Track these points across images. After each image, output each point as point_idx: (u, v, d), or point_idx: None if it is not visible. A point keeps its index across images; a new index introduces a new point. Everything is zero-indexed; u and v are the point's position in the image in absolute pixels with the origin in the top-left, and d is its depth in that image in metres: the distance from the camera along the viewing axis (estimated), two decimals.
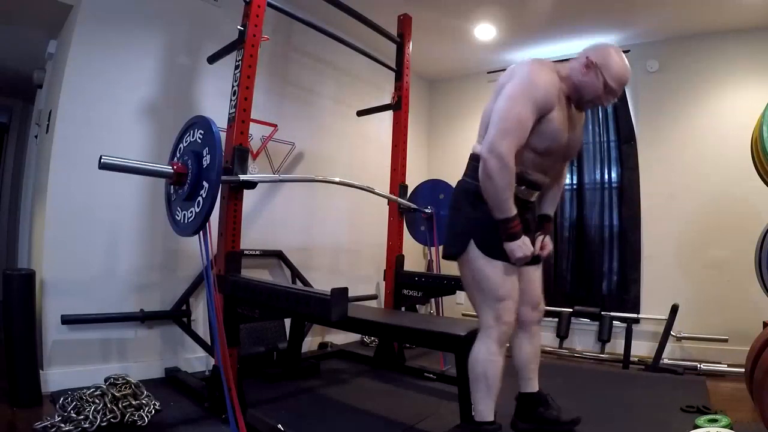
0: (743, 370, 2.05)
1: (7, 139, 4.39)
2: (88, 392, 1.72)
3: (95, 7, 2.20)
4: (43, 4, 2.22)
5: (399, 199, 2.78)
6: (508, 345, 1.61)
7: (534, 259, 1.62)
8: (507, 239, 1.48)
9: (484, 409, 1.51)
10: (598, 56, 1.50)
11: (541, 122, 1.49)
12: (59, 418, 1.61)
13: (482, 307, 1.56)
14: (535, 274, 1.74)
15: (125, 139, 2.27)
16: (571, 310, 3.34)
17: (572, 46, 3.62)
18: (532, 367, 1.73)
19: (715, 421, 1.73)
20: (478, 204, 1.53)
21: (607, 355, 3.13)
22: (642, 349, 3.14)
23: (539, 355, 1.78)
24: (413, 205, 2.86)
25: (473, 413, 1.54)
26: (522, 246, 1.49)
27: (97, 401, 1.69)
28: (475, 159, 1.56)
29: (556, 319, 3.38)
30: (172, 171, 1.63)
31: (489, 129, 1.48)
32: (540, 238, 1.69)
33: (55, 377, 2.00)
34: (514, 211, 1.47)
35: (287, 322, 2.68)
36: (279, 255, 2.89)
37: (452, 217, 1.65)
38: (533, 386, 1.73)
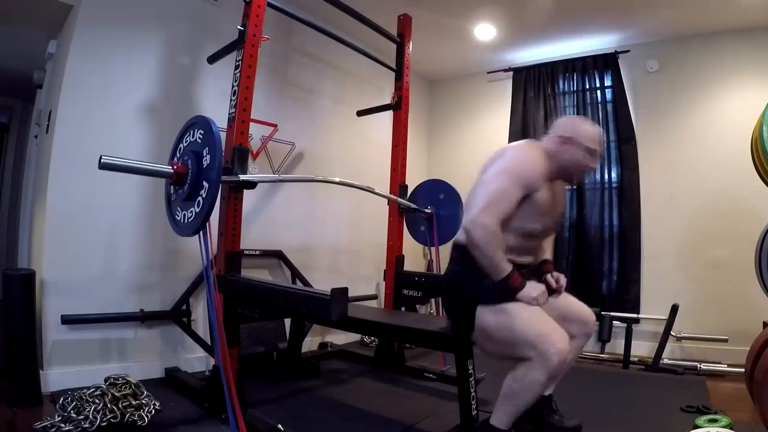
0: (743, 370, 2.05)
1: (7, 139, 4.40)
2: (88, 392, 1.72)
3: (95, 7, 2.20)
4: (43, 4, 2.22)
5: (399, 199, 2.78)
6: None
7: (552, 293, 1.63)
8: (515, 292, 1.46)
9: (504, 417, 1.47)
10: (567, 130, 1.58)
11: (527, 201, 1.51)
12: (59, 418, 1.61)
13: (524, 353, 1.41)
14: (565, 300, 1.71)
15: (125, 139, 2.27)
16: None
17: (572, 46, 3.63)
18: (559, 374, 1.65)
19: (715, 421, 1.73)
20: (466, 277, 1.54)
21: (607, 355, 3.13)
22: (642, 349, 3.14)
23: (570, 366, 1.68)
24: (413, 205, 2.86)
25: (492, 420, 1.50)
26: (533, 288, 1.47)
27: (97, 401, 1.69)
28: (457, 248, 1.59)
29: None
30: (172, 171, 1.63)
31: (472, 203, 1.50)
32: (549, 275, 1.69)
33: (55, 377, 1.99)
34: (509, 266, 1.46)
35: (287, 322, 2.68)
36: (279, 255, 2.89)
37: (448, 305, 1.65)
38: (548, 390, 1.67)
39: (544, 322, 1.43)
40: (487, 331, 1.50)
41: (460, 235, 1.59)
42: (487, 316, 1.49)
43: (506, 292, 1.46)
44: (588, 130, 1.57)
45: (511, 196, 1.47)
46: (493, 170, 1.55)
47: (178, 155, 1.73)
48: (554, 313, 1.54)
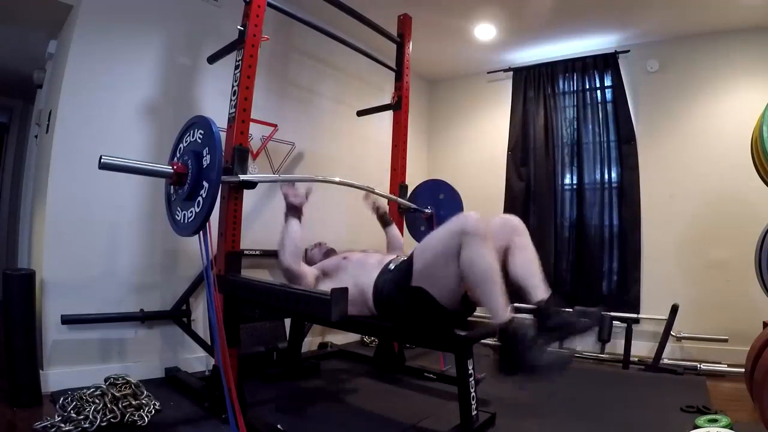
0: (743, 370, 2.05)
1: (7, 139, 4.40)
2: (88, 392, 1.73)
3: (95, 7, 2.20)
4: (43, 4, 2.22)
5: (399, 199, 2.78)
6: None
7: None
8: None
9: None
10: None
11: None
12: (59, 418, 1.61)
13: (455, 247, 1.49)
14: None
15: (125, 139, 2.27)
16: (571, 310, 3.33)
17: (572, 46, 3.63)
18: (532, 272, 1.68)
19: (715, 421, 1.72)
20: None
21: (607, 355, 3.13)
22: (642, 349, 3.14)
23: (536, 261, 1.70)
24: (413, 205, 2.86)
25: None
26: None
27: (97, 401, 1.69)
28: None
29: None
30: (172, 171, 1.63)
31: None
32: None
33: (55, 377, 1.99)
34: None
35: (287, 322, 2.68)
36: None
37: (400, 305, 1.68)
38: (541, 294, 1.67)
39: (445, 224, 1.54)
40: (428, 275, 1.56)
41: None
42: (419, 269, 1.56)
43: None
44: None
45: None
46: None
47: (178, 155, 1.73)
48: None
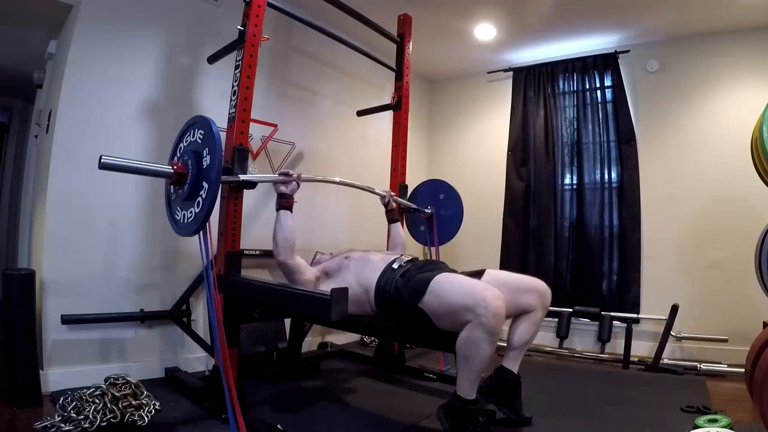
0: (743, 370, 2.05)
1: (7, 139, 4.39)
2: (88, 392, 1.73)
3: (95, 7, 2.20)
4: (43, 4, 2.22)
5: (399, 199, 2.77)
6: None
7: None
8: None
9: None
10: None
11: None
12: (59, 418, 1.61)
13: (465, 317, 1.50)
14: (514, 275, 1.87)
15: (125, 139, 2.27)
16: (571, 310, 3.34)
17: (572, 46, 3.63)
18: (524, 345, 1.81)
19: (715, 421, 1.72)
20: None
21: (607, 355, 3.13)
22: (642, 349, 3.14)
23: (532, 341, 1.83)
24: (413, 205, 2.86)
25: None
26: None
27: (97, 401, 1.69)
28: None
29: (556, 319, 3.38)
30: (172, 171, 1.63)
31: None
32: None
33: (55, 377, 1.99)
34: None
35: (287, 322, 2.68)
36: None
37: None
38: (516, 367, 1.80)
39: (473, 285, 1.54)
40: (435, 312, 1.58)
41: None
42: (429, 301, 1.58)
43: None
44: None
45: None
46: None
47: (178, 155, 1.73)
48: (506, 289, 1.63)
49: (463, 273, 1.76)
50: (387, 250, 2.46)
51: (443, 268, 1.80)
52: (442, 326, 1.59)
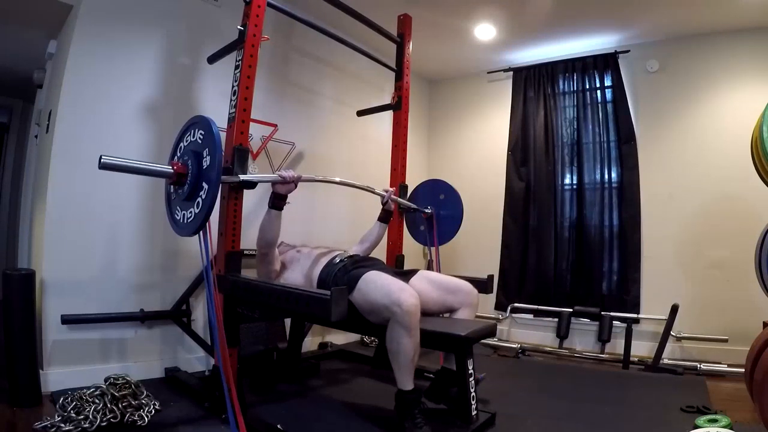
0: (743, 370, 2.05)
1: (7, 139, 4.39)
2: (88, 392, 1.73)
3: (95, 7, 2.20)
4: (43, 4, 2.22)
5: (399, 199, 2.77)
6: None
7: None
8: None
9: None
10: None
11: None
12: (59, 418, 1.61)
13: (386, 315, 1.64)
14: (445, 277, 2.02)
15: (125, 139, 2.27)
16: (571, 310, 3.34)
17: (572, 46, 3.63)
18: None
19: (715, 421, 1.73)
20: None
21: (607, 355, 3.13)
22: (642, 349, 3.14)
23: None
24: (413, 205, 2.86)
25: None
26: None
27: (97, 401, 1.70)
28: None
29: (556, 319, 3.38)
30: (172, 171, 1.63)
31: None
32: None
33: (55, 377, 2.00)
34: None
35: (287, 322, 2.68)
36: None
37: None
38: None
39: (391, 285, 1.66)
40: (362, 308, 1.73)
41: None
42: (356, 298, 1.72)
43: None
44: None
45: None
46: None
47: (178, 155, 1.73)
48: (433, 289, 1.91)
49: (395, 272, 1.92)
50: (359, 242, 2.50)
51: (376, 265, 1.96)
52: (374, 321, 1.73)
